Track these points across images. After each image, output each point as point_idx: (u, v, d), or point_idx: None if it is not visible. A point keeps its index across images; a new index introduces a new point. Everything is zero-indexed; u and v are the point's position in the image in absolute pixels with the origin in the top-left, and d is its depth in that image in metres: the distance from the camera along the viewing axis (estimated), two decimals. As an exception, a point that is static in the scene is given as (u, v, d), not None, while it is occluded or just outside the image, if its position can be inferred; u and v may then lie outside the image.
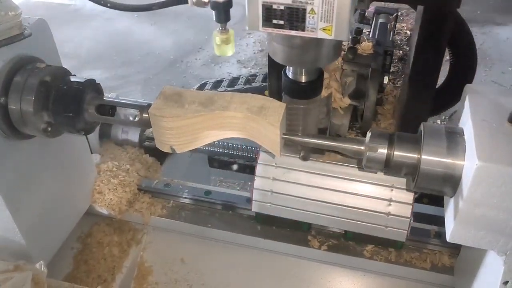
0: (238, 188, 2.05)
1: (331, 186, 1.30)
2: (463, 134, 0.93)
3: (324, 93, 1.14)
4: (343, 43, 1.29)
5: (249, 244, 1.48)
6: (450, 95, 1.80)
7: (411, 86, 1.16)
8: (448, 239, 0.94)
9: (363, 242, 1.40)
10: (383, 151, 0.96)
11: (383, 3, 1.59)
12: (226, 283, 1.48)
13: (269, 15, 0.83)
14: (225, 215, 1.53)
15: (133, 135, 1.72)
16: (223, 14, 1.09)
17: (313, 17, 0.81)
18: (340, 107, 1.27)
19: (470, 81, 1.63)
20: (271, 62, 1.20)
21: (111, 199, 1.52)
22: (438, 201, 1.91)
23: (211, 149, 1.78)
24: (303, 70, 1.01)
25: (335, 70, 1.25)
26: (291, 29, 0.84)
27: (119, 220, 1.56)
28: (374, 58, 1.23)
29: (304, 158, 1.08)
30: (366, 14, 1.52)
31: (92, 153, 1.60)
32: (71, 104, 1.09)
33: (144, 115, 1.08)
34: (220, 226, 1.50)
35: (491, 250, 0.95)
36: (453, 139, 0.92)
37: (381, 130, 0.98)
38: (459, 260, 1.32)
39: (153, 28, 4.37)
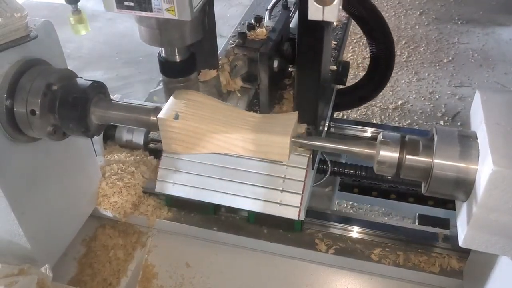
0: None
1: (233, 165, 1.40)
2: (476, 138, 0.92)
3: (212, 74, 1.24)
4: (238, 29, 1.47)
5: (255, 247, 1.47)
6: (371, 87, 1.85)
7: (298, 68, 1.23)
8: (460, 244, 0.93)
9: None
10: (394, 154, 0.95)
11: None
12: (232, 287, 1.47)
13: None
14: (230, 218, 1.52)
15: (138, 137, 1.70)
16: None
17: None
18: (236, 90, 1.35)
19: (391, 68, 1.72)
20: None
21: (115, 201, 1.51)
22: (444, 203, 1.93)
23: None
24: (175, 50, 1.09)
25: (229, 55, 1.36)
26: (141, 10, 0.92)
27: (124, 222, 1.55)
28: (264, 43, 1.31)
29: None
30: (288, 5, 1.57)
31: (96, 155, 1.58)
32: (78, 106, 1.08)
33: (151, 118, 1.07)
34: (226, 229, 1.49)
35: (504, 255, 0.94)
36: (466, 143, 0.91)
37: (393, 134, 0.97)
38: (468, 264, 1.31)
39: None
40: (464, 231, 0.91)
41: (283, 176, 1.37)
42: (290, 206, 1.36)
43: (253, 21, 1.45)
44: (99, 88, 1.13)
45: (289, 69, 1.54)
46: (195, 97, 1.09)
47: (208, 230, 1.49)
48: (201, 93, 1.13)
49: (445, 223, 1.66)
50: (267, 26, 1.46)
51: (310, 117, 1.30)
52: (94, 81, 1.11)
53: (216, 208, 1.51)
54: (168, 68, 1.13)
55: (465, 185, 0.91)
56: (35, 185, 1.23)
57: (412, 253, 1.38)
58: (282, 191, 1.37)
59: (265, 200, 1.38)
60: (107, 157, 1.65)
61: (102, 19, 4.41)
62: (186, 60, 1.12)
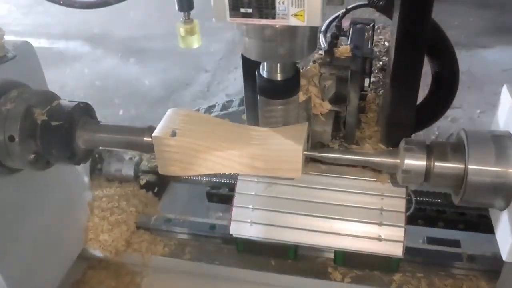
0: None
1: (318, 198, 1.20)
2: None
3: (302, 97, 1.08)
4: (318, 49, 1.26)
5: (263, 281, 1.33)
6: (436, 106, 1.74)
7: (393, 88, 1.09)
8: (505, 258, 0.82)
9: (354, 267, 1.29)
10: (422, 162, 0.85)
11: (358, 15, 1.58)
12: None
13: (236, 3, 0.77)
14: (233, 251, 1.38)
15: (128, 169, 1.59)
16: (186, 0, 1.03)
17: (283, 3, 0.75)
18: (321, 114, 1.20)
19: (455, 90, 1.61)
20: (246, 67, 1.12)
21: (106, 239, 1.37)
22: (454, 224, 1.83)
23: (209, 179, 1.64)
24: (278, 66, 0.93)
25: (313, 75, 1.19)
26: (260, 17, 0.78)
27: (115, 262, 1.41)
28: (352, 60, 1.17)
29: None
30: (342, 26, 1.47)
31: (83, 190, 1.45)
32: (62, 130, 0.96)
33: (145, 139, 0.97)
34: (229, 263, 1.35)
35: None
36: (501, 144, 0.82)
37: (417, 139, 0.87)
38: (500, 284, 1.19)
39: (138, 67, 4.30)
40: (508, 243, 0.80)
41: (379, 208, 1.18)
42: (393, 241, 1.16)
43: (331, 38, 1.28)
44: (85, 110, 1.02)
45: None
46: (192, 113, 0.99)
47: (209, 264, 1.35)
48: (194, 111, 1.02)
49: (455, 245, 1.57)
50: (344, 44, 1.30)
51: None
52: (80, 102, 1.01)
53: (296, 251, 1.33)
54: (271, 88, 0.96)
55: (504, 192, 0.81)
56: (15, 225, 1.10)
57: (435, 277, 1.26)
58: (380, 224, 1.18)
59: (362, 237, 1.18)
60: (94, 192, 1.52)
61: (85, 60, 4.34)
62: (292, 78, 0.96)
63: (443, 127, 3.83)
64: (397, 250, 1.15)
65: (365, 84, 1.16)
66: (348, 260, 1.27)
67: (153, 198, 1.58)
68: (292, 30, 0.82)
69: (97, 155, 1.59)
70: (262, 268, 1.33)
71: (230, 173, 0.98)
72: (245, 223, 1.23)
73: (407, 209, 1.19)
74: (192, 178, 1.59)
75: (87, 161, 1.05)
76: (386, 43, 1.65)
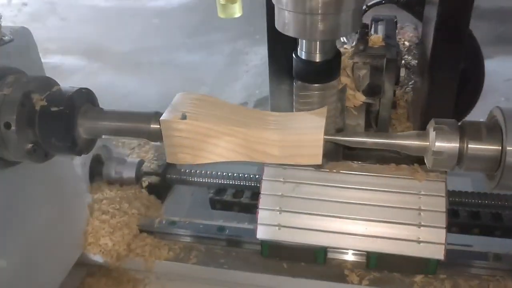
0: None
1: (350, 199, 1.14)
2: (552, 115, 0.76)
3: (337, 85, 1.01)
4: (350, 41, 1.21)
5: (274, 286, 1.25)
6: (462, 104, 1.69)
7: (431, 79, 1.05)
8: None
9: (390, 271, 1.20)
10: (454, 144, 0.78)
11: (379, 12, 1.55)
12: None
13: None
14: (243, 253, 1.30)
15: (129, 171, 1.51)
16: None
17: None
18: (353, 107, 1.13)
19: (482, 81, 1.57)
20: (272, 49, 1.06)
21: (106, 243, 1.28)
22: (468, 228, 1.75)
23: (213, 181, 1.55)
24: (318, 46, 0.86)
25: (346, 65, 1.12)
26: None
27: (116, 268, 1.32)
28: (387, 48, 1.11)
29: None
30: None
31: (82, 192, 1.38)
32: (62, 117, 0.89)
33: (152, 125, 0.90)
34: (239, 266, 1.27)
35: None
36: (541, 121, 0.76)
37: (447, 119, 0.81)
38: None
39: (134, 81, 4.24)
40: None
41: (417, 207, 1.12)
42: (433, 244, 1.11)
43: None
44: (87, 96, 0.95)
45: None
46: (203, 97, 0.92)
47: (218, 269, 1.27)
48: (205, 94, 0.95)
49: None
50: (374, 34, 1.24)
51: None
52: (81, 88, 0.94)
53: (326, 254, 1.24)
54: (309, 70, 0.89)
55: (547, 173, 0.74)
56: (8, 228, 1.01)
57: (460, 277, 1.18)
58: (419, 225, 1.12)
59: (399, 239, 1.12)
60: (94, 195, 1.44)
61: (81, 74, 4.28)
62: (333, 59, 0.89)
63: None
64: (438, 253, 1.09)
65: (400, 75, 1.11)
66: (380, 263, 1.20)
67: (155, 200, 1.50)
68: (336, 3, 0.76)
69: (96, 157, 1.52)
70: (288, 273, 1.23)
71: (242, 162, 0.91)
72: (273, 227, 1.16)
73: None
74: (197, 180, 1.51)
75: (88, 151, 0.98)
76: (406, 43, 1.61)
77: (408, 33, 1.86)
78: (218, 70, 3.93)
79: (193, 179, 1.51)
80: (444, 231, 1.09)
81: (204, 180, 1.52)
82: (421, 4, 1.18)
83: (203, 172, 1.51)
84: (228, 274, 1.26)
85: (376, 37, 1.14)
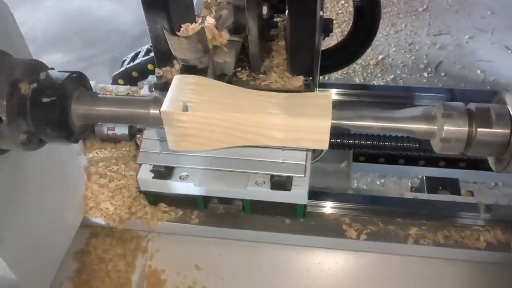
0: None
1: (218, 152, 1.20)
2: (562, 98, 0.75)
3: (195, 28, 1.04)
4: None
5: (273, 241, 1.30)
6: (362, 38, 1.70)
7: (292, 13, 1.10)
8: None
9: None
10: (463, 128, 0.78)
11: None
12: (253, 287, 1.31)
13: None
14: (242, 212, 1.33)
15: (122, 128, 1.48)
16: None
17: None
18: (221, 44, 1.18)
19: (378, 18, 1.57)
20: None
21: (108, 208, 1.29)
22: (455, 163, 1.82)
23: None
24: None
25: (211, 5, 1.20)
26: None
27: (119, 229, 1.34)
28: None
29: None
30: None
31: (77, 154, 1.35)
32: (56, 106, 0.85)
33: (151, 111, 0.86)
34: (239, 224, 1.30)
35: None
36: (551, 106, 0.75)
37: (455, 103, 0.79)
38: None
39: (112, 2, 4.01)
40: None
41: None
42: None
43: None
44: (79, 80, 0.90)
45: (274, 19, 1.38)
46: (202, 81, 0.88)
47: (218, 227, 1.30)
48: (204, 77, 0.92)
49: (454, 184, 1.57)
50: None
51: (307, 68, 1.17)
52: (72, 72, 0.88)
53: (206, 202, 1.33)
54: None
55: (554, 158, 0.75)
56: (11, 205, 1.01)
57: (453, 229, 1.23)
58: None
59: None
60: (89, 155, 1.43)
61: (52, -4, 4.02)
62: None
63: (431, 55, 3.76)
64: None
65: (263, 12, 1.17)
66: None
67: (151, 158, 1.48)
68: None
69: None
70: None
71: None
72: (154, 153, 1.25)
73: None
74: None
75: (84, 136, 0.95)
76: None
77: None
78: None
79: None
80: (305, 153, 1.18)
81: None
82: None
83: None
84: (228, 232, 1.31)
85: None
